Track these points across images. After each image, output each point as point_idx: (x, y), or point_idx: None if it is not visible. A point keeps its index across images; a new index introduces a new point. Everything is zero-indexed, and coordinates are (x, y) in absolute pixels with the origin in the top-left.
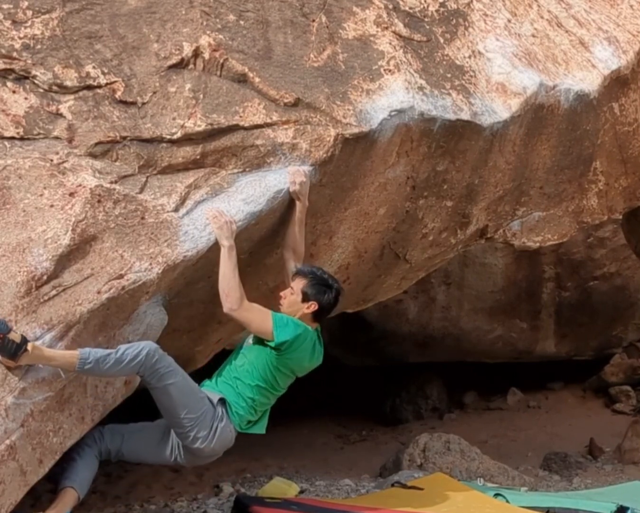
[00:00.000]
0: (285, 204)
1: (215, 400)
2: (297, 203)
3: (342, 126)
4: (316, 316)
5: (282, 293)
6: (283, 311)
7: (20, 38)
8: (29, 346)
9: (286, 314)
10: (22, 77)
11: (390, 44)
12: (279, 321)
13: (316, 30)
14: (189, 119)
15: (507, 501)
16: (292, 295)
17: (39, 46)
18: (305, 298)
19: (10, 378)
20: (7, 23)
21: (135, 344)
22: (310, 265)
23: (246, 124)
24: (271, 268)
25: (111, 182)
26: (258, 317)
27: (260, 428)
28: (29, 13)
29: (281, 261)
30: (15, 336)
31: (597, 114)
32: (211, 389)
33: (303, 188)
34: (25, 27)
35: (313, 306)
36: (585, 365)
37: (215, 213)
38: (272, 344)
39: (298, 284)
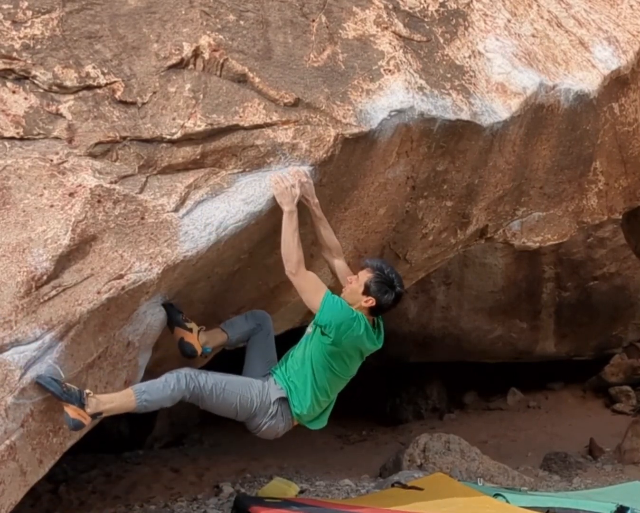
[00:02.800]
0: None
1: (273, 398)
2: (308, 204)
3: (342, 126)
4: (373, 311)
5: (349, 278)
6: (344, 295)
7: (20, 38)
8: (87, 390)
9: (345, 299)
10: (22, 77)
11: (390, 44)
12: (328, 302)
13: (316, 30)
14: (189, 119)
15: (507, 501)
16: (355, 284)
17: (39, 46)
18: (366, 292)
19: (10, 378)
20: (7, 23)
21: (174, 371)
22: (381, 260)
23: (246, 124)
24: (271, 268)
25: (111, 183)
26: (312, 289)
27: (321, 423)
28: (29, 13)
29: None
30: (70, 385)
31: (597, 114)
32: (278, 378)
33: (307, 189)
34: (25, 27)
35: (371, 301)
36: (585, 365)
37: (277, 178)
38: (316, 321)
39: (364, 276)
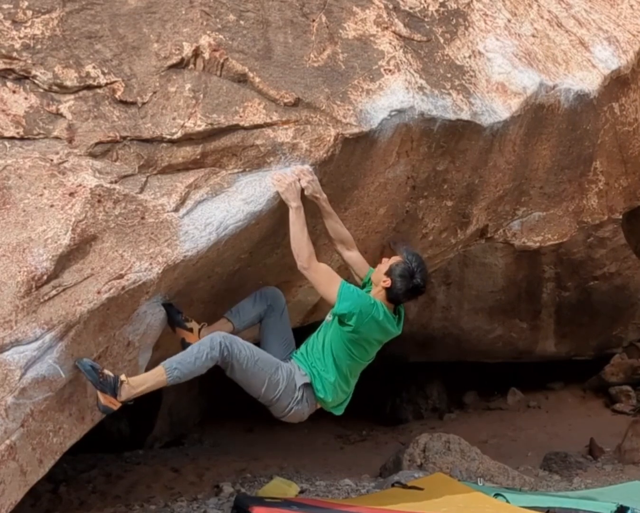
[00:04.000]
0: (286, 205)
1: (298, 383)
2: (317, 201)
3: (342, 126)
4: (387, 293)
5: (383, 259)
6: (374, 273)
7: (20, 38)
8: (122, 377)
9: (372, 277)
10: (22, 77)
11: (390, 44)
12: (343, 291)
13: (316, 30)
14: (189, 119)
15: (507, 501)
16: (384, 265)
17: (39, 46)
18: (388, 273)
19: (10, 378)
20: (7, 23)
21: (208, 338)
22: (416, 253)
23: (246, 124)
24: (271, 268)
25: (111, 182)
26: (326, 281)
27: (341, 409)
28: (29, 13)
29: (288, 265)
30: (107, 371)
31: (597, 114)
32: (301, 364)
33: (314, 186)
34: (25, 27)
35: (387, 282)
36: (585, 365)
37: (278, 176)
38: (333, 311)
39: (395, 258)
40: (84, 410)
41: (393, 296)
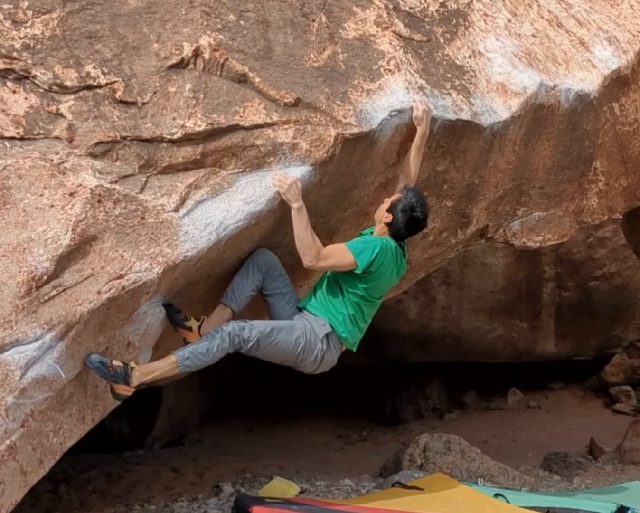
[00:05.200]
0: (286, 205)
1: (320, 334)
2: (418, 128)
3: (342, 126)
4: (390, 229)
5: (386, 198)
6: (377, 212)
7: (20, 38)
8: (132, 364)
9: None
10: (22, 77)
11: (390, 44)
12: (355, 249)
13: (316, 30)
14: (189, 119)
15: (507, 501)
16: (386, 203)
17: (39, 46)
18: (389, 209)
19: (10, 378)
20: (7, 23)
21: (217, 329)
22: (415, 190)
23: (246, 124)
24: None
25: (111, 182)
26: (336, 259)
27: (355, 347)
28: (29, 13)
29: None
30: (116, 362)
31: (597, 114)
32: (318, 311)
33: (425, 115)
34: (26, 27)
35: (389, 218)
36: (585, 365)
37: (279, 176)
38: (358, 271)
39: (395, 196)
40: (84, 410)
41: (395, 232)
